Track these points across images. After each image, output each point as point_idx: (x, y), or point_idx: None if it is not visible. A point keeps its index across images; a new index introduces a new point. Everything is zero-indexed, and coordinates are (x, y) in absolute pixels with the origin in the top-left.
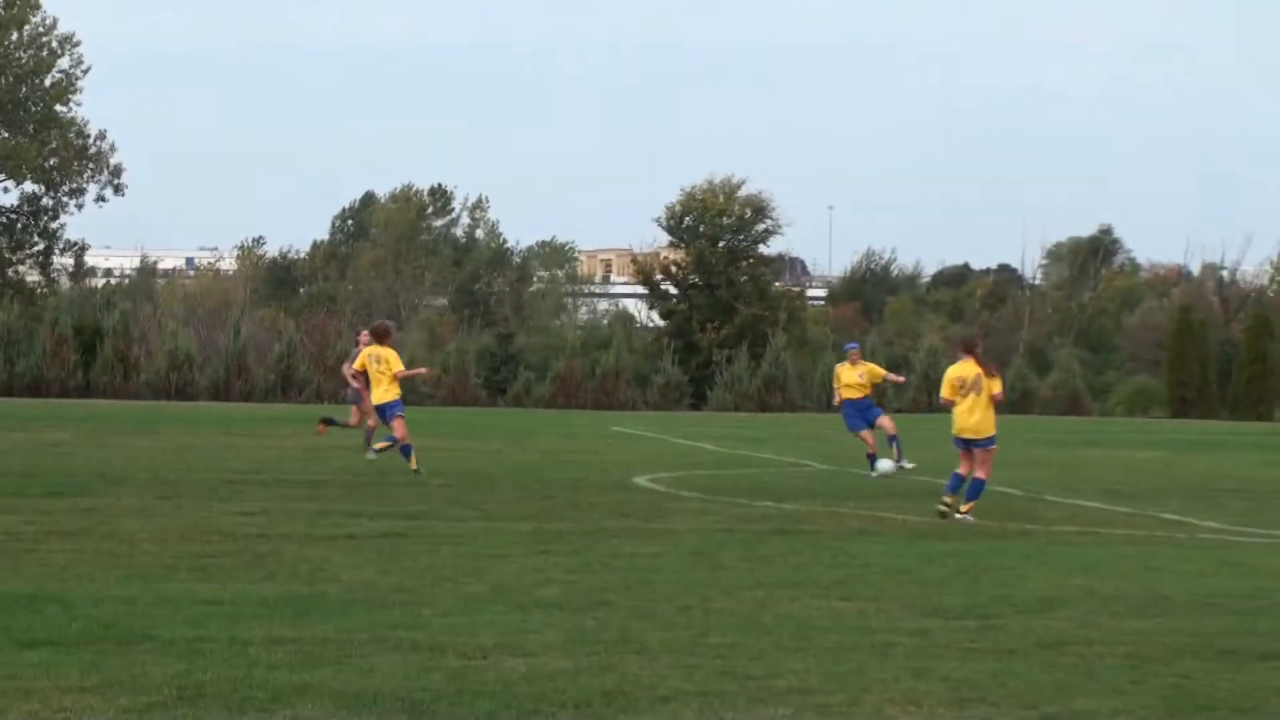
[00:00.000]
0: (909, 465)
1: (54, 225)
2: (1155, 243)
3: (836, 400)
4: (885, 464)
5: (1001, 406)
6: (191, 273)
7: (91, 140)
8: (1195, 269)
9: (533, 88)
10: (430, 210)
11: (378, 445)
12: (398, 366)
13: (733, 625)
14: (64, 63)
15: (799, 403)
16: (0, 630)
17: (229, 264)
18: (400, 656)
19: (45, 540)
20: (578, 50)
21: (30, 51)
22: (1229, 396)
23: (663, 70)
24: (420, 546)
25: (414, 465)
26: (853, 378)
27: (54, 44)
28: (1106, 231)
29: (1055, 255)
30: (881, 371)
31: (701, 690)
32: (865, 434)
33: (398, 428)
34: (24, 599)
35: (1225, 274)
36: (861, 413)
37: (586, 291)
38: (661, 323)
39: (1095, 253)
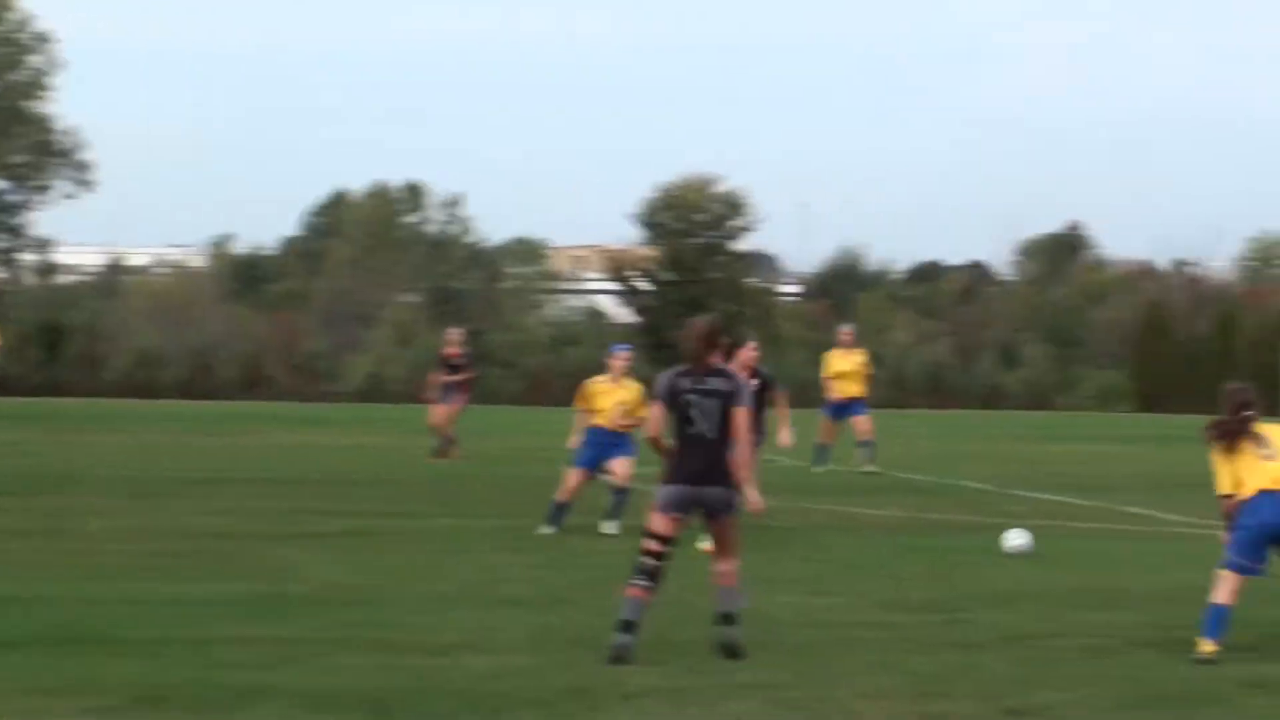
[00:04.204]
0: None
1: (19, 222)
2: (1124, 239)
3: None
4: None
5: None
6: (160, 270)
7: (61, 136)
8: (1162, 264)
9: (505, 84)
10: (404, 207)
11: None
12: None
13: (700, 621)
14: (37, 60)
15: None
16: None
17: (198, 261)
18: (364, 655)
19: (4, 540)
20: (550, 46)
21: (1, 49)
22: (1195, 391)
23: (635, 66)
24: (386, 545)
25: None
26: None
27: (26, 40)
28: (1075, 227)
29: (1026, 251)
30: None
31: (668, 686)
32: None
33: None
34: None
35: (1193, 269)
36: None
37: (558, 288)
38: (634, 319)
39: (1065, 248)
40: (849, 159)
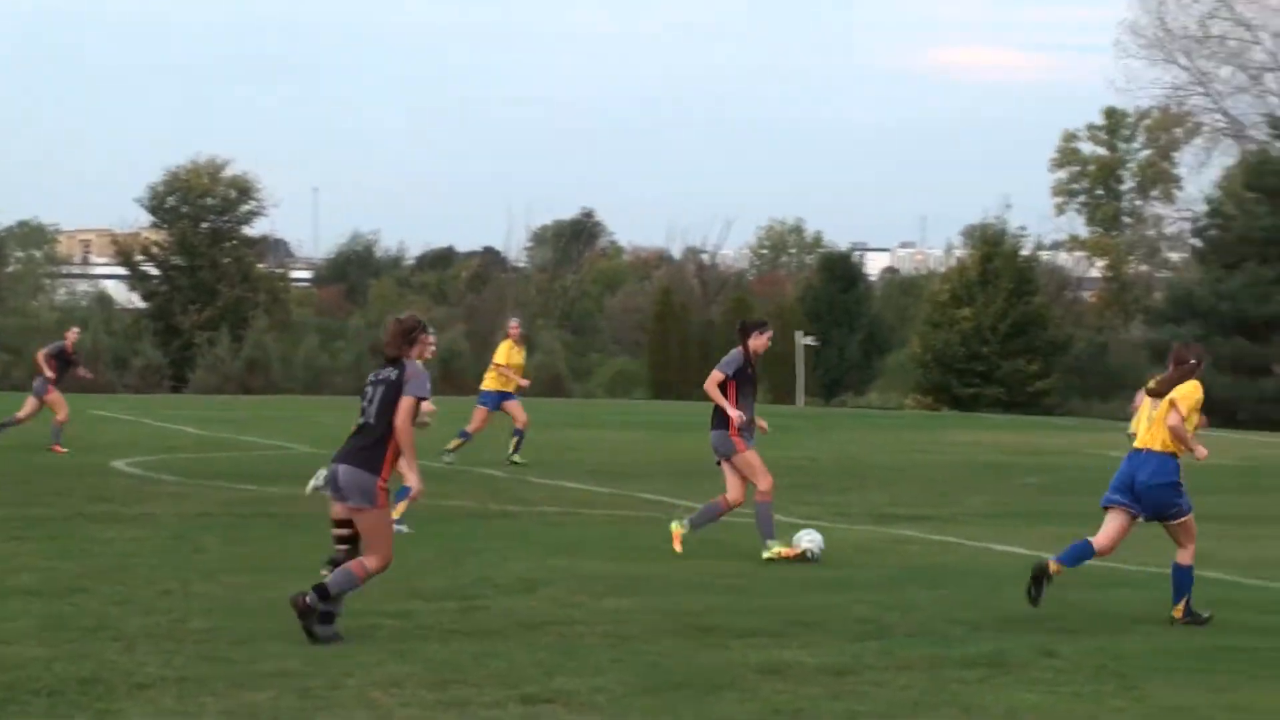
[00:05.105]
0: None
1: None
2: (637, 226)
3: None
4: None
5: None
6: None
7: None
8: (676, 252)
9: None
10: None
11: None
12: None
13: (214, 610)
14: None
15: (282, 385)
16: None
17: None
18: None
19: None
20: (64, 24)
21: None
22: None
23: (142, 46)
24: None
25: None
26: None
27: None
28: (589, 215)
29: (539, 238)
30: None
31: (181, 676)
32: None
33: None
34: None
35: (705, 257)
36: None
37: (65, 272)
38: (142, 304)
39: (578, 235)
40: (362, 144)
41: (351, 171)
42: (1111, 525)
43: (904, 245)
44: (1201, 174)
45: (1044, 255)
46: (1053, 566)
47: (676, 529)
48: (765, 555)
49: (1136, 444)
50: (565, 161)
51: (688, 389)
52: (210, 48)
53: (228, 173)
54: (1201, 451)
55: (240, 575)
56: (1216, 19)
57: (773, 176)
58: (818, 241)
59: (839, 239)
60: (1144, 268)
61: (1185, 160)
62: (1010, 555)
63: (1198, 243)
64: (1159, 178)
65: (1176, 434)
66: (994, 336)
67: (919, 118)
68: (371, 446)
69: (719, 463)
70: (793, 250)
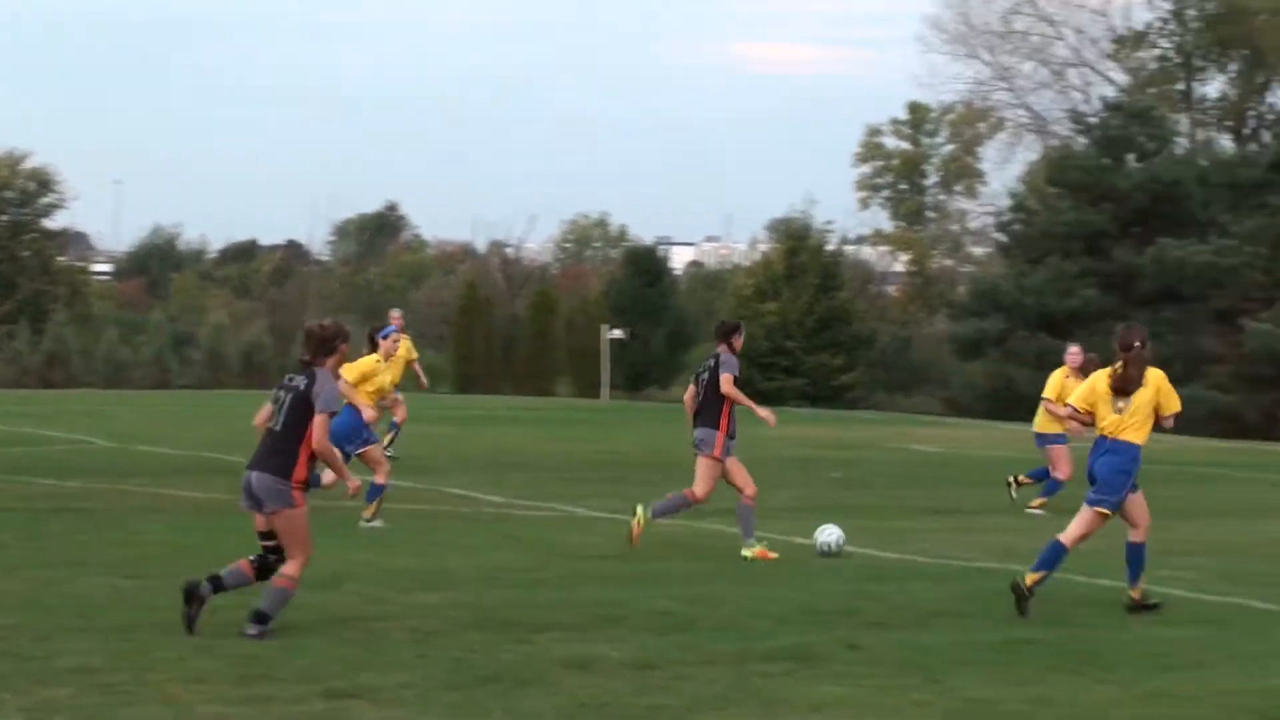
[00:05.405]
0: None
1: None
2: (442, 220)
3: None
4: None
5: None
6: None
7: None
8: (481, 246)
9: None
10: None
11: None
12: None
13: (13, 606)
14: None
15: (82, 378)
16: None
17: None
18: None
19: None
20: None
21: None
22: (512, 373)
23: None
24: None
25: None
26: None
27: None
28: (393, 208)
29: (342, 231)
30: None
31: None
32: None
33: None
34: None
35: (510, 251)
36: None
37: None
38: None
39: (382, 229)
40: (164, 136)
41: (153, 164)
42: (1079, 522)
43: (709, 239)
44: (1005, 169)
45: (849, 250)
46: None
47: (639, 517)
48: (744, 554)
49: (1101, 433)
50: (369, 155)
51: (493, 383)
52: (8, 37)
53: (27, 165)
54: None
55: (40, 570)
56: (1019, 14)
57: (577, 171)
58: (622, 236)
59: (644, 233)
60: (948, 262)
61: (989, 155)
62: (813, 549)
63: (1001, 237)
64: (963, 172)
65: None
66: (799, 331)
67: (723, 112)
68: (283, 452)
69: (697, 456)
70: (597, 244)
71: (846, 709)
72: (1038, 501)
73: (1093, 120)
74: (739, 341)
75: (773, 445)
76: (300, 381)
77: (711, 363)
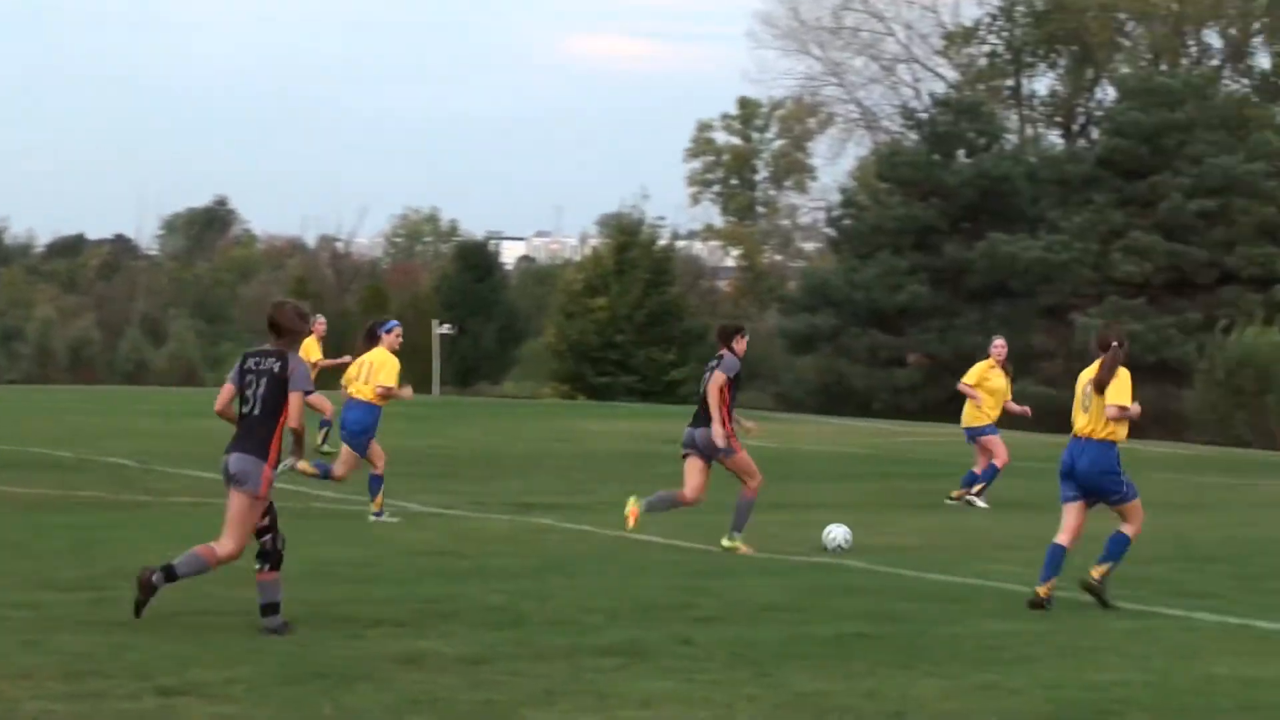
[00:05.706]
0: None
1: None
2: (271, 214)
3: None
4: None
5: (116, 376)
6: None
7: None
8: (310, 241)
9: None
10: None
11: None
12: None
13: None
14: None
15: None
16: None
17: None
18: None
19: None
20: None
21: None
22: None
23: None
24: None
25: None
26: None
27: None
28: (222, 202)
29: (171, 225)
30: None
31: None
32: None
33: None
34: None
35: (340, 246)
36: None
37: None
38: None
39: (211, 223)
40: None
41: None
42: (1070, 519)
43: (540, 234)
44: (835, 164)
45: (680, 245)
46: (1043, 590)
47: (632, 506)
48: (724, 543)
49: (1075, 431)
50: (197, 148)
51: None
52: None
53: None
54: (1135, 409)
55: None
56: (850, 10)
57: (407, 165)
58: (453, 230)
59: (474, 228)
60: (778, 257)
61: (819, 150)
62: (647, 544)
63: (832, 232)
64: (793, 168)
65: (1122, 420)
66: (629, 326)
67: (553, 107)
68: (261, 435)
69: (685, 456)
70: (428, 239)
71: (678, 703)
72: (958, 492)
73: (923, 116)
74: (742, 344)
75: (603, 440)
76: (274, 364)
77: (714, 364)
